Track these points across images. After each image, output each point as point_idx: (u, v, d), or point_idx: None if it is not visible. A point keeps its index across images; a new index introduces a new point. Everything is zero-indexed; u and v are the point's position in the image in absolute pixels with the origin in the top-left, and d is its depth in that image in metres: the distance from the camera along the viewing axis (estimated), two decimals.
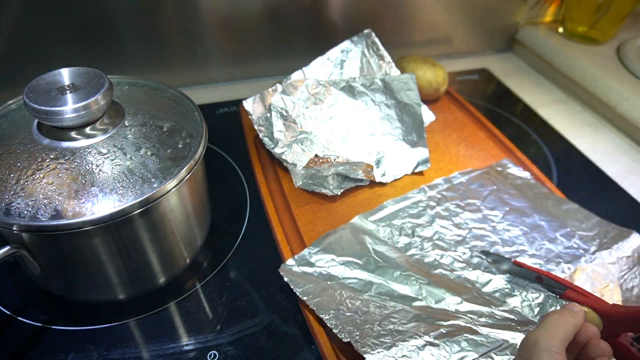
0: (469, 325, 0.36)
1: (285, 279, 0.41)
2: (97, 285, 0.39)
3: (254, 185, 0.54)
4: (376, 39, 0.58)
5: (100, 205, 0.33)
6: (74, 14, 0.60)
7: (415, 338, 0.35)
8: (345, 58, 0.59)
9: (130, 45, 0.65)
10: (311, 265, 0.42)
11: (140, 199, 0.34)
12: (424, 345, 0.35)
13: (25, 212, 0.32)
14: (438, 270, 0.43)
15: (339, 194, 0.50)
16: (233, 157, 0.58)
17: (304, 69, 0.57)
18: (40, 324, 0.40)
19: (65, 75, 0.36)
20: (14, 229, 0.32)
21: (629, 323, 0.32)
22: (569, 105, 0.73)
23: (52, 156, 0.35)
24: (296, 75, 0.56)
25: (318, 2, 0.69)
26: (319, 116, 0.55)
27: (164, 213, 0.37)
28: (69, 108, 0.34)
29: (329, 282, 0.40)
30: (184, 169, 0.36)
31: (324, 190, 0.50)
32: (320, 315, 0.37)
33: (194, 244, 0.44)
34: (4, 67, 0.61)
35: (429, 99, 0.66)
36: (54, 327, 0.40)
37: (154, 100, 0.43)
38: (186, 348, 0.39)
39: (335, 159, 0.49)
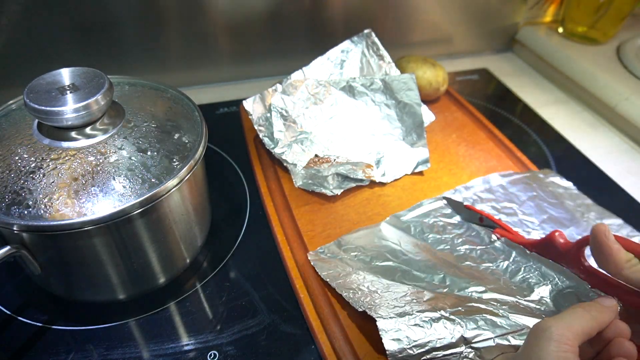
0: (489, 308, 0.36)
1: (312, 263, 0.42)
2: (97, 285, 0.39)
3: (254, 185, 0.54)
4: (376, 39, 0.58)
5: (101, 205, 0.33)
6: (74, 14, 0.60)
7: (431, 311, 0.35)
8: (345, 58, 0.59)
9: (131, 45, 0.65)
10: (339, 253, 0.43)
11: (141, 199, 0.34)
12: (439, 318, 0.34)
13: (26, 212, 0.32)
14: (466, 263, 0.42)
15: (339, 194, 0.50)
16: (233, 157, 0.58)
17: (304, 69, 0.57)
18: (40, 324, 0.40)
19: (65, 75, 0.36)
20: (14, 229, 0.32)
21: (541, 249, 0.39)
22: (569, 105, 0.73)
23: (52, 156, 0.35)
24: (296, 75, 0.56)
25: (318, 2, 0.69)
26: (319, 116, 0.55)
27: (164, 213, 0.37)
28: (69, 108, 0.34)
29: (354, 268, 0.41)
30: (184, 169, 0.36)
31: (324, 190, 0.50)
32: (340, 292, 0.38)
33: (194, 244, 0.44)
34: (4, 67, 0.61)
35: (429, 99, 0.66)
36: (54, 327, 0.40)
37: (154, 100, 0.43)
38: (186, 348, 0.39)
39: (335, 159, 0.49)
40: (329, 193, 0.50)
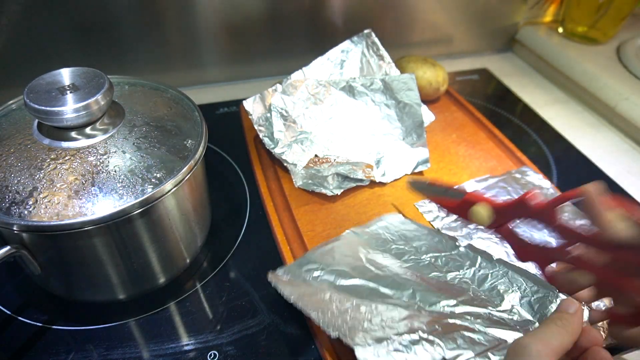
0: (465, 324, 0.36)
1: (273, 284, 0.38)
2: (97, 285, 0.39)
3: (254, 185, 0.54)
4: (376, 39, 0.58)
5: (101, 205, 0.33)
6: (74, 14, 0.60)
7: (409, 333, 0.34)
8: (345, 58, 0.59)
9: (130, 46, 0.65)
10: (301, 274, 0.40)
11: (141, 199, 0.34)
12: (418, 341, 0.33)
13: (26, 212, 0.32)
14: (433, 274, 0.41)
15: (339, 194, 0.50)
16: (233, 157, 0.58)
17: (304, 69, 0.57)
18: (40, 324, 0.40)
19: (65, 75, 0.36)
20: (14, 229, 0.32)
21: (511, 212, 0.40)
22: (569, 106, 0.73)
23: (52, 156, 0.35)
24: (296, 76, 0.56)
25: (318, 2, 0.69)
26: (319, 116, 0.55)
27: (164, 213, 0.37)
28: (69, 108, 0.34)
29: (319, 287, 0.38)
30: (184, 169, 0.36)
31: (324, 190, 0.50)
32: (307, 314, 0.35)
33: (194, 244, 0.44)
34: (4, 67, 0.61)
35: (429, 99, 0.66)
36: (54, 327, 0.40)
37: (154, 100, 0.43)
38: (186, 348, 0.39)
39: (335, 159, 0.49)
40: (329, 193, 0.50)
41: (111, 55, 0.65)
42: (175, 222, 0.39)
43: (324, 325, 0.34)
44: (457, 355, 0.33)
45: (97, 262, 0.36)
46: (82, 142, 0.36)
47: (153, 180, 0.35)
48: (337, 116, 0.55)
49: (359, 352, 0.32)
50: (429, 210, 0.48)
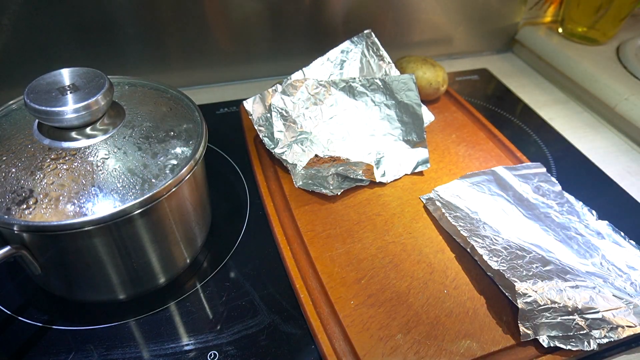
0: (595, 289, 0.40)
1: (434, 199, 0.48)
2: (98, 285, 0.39)
3: (254, 185, 0.54)
4: (376, 39, 0.58)
5: (101, 205, 0.33)
6: (74, 14, 0.60)
7: (555, 281, 0.40)
8: (345, 58, 0.59)
9: (131, 46, 0.65)
10: (459, 196, 0.48)
11: (141, 199, 0.34)
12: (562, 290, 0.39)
13: (26, 212, 0.32)
14: (570, 232, 0.47)
15: (339, 194, 0.50)
16: (233, 157, 0.58)
17: (304, 69, 0.57)
18: (40, 324, 0.40)
19: (65, 75, 0.36)
20: (15, 229, 0.32)
21: None
22: (568, 106, 0.73)
23: (52, 156, 0.35)
24: (296, 76, 0.56)
25: (318, 2, 0.69)
26: (319, 116, 0.55)
27: (164, 213, 0.37)
28: (70, 108, 0.34)
29: (472, 215, 0.46)
30: (184, 169, 0.36)
31: (324, 191, 0.50)
32: (472, 242, 0.43)
33: (194, 244, 0.44)
34: (4, 67, 0.61)
35: (429, 99, 0.66)
36: (54, 327, 0.40)
37: (154, 100, 0.43)
38: (186, 348, 0.39)
39: (335, 159, 0.49)
40: (329, 193, 0.50)
41: (111, 55, 0.65)
42: (176, 222, 0.39)
43: (487, 257, 0.42)
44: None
45: (97, 262, 0.36)
46: (82, 142, 0.36)
47: (153, 180, 0.35)
48: (337, 116, 0.55)
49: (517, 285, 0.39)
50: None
